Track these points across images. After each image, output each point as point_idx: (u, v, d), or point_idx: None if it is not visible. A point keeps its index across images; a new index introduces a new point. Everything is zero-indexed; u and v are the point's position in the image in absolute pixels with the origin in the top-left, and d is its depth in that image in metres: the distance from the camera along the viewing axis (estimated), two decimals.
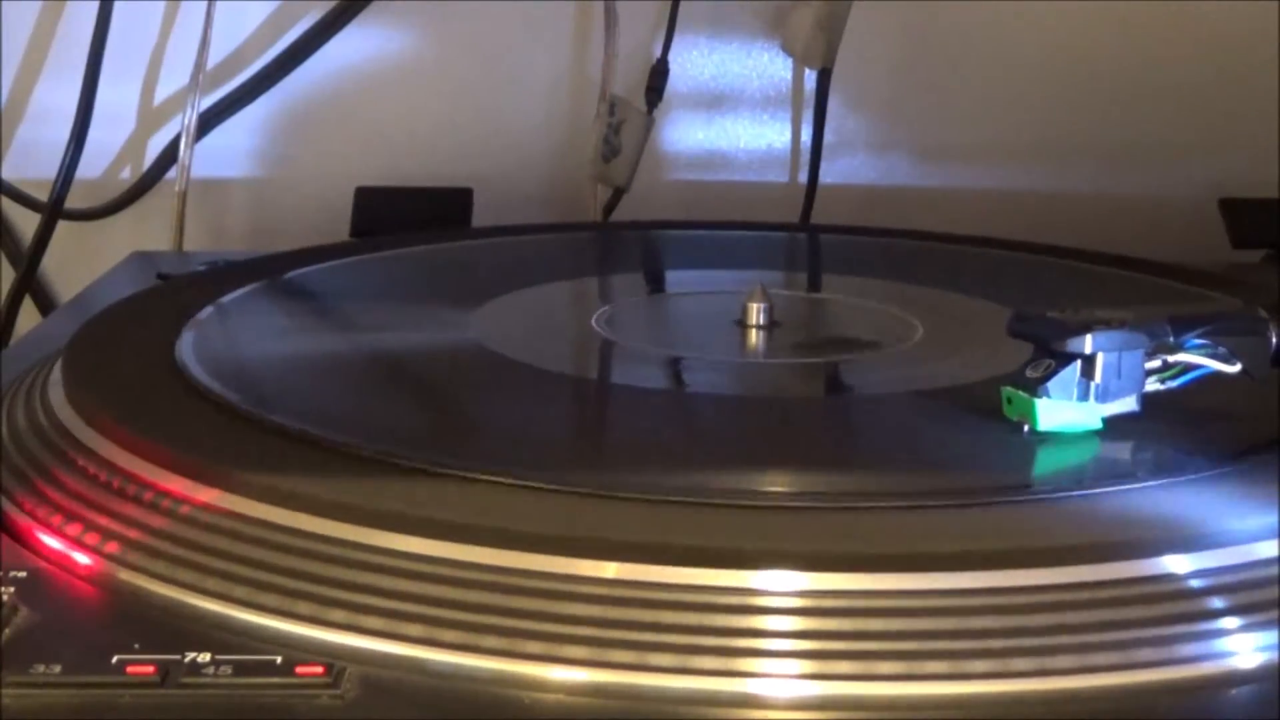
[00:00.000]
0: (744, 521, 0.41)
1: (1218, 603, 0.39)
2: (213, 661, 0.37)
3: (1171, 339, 0.48)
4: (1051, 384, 0.47)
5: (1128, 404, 0.48)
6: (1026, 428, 0.48)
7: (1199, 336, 0.49)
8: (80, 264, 0.90)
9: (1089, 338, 0.47)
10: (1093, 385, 0.47)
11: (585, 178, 0.95)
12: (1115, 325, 0.48)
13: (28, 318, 0.91)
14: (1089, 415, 0.48)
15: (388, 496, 0.42)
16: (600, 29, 0.94)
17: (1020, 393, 0.48)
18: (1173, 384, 0.49)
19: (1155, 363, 0.49)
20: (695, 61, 0.96)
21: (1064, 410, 0.48)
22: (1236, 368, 0.49)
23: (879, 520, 0.42)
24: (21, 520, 0.45)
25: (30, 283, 0.91)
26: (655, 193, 0.96)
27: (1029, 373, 0.48)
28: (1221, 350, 0.49)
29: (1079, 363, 0.47)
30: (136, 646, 0.38)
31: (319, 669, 0.37)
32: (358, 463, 0.44)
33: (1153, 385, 0.49)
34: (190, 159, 0.91)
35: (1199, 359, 0.49)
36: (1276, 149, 0.92)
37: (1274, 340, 0.50)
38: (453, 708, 0.36)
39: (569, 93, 0.96)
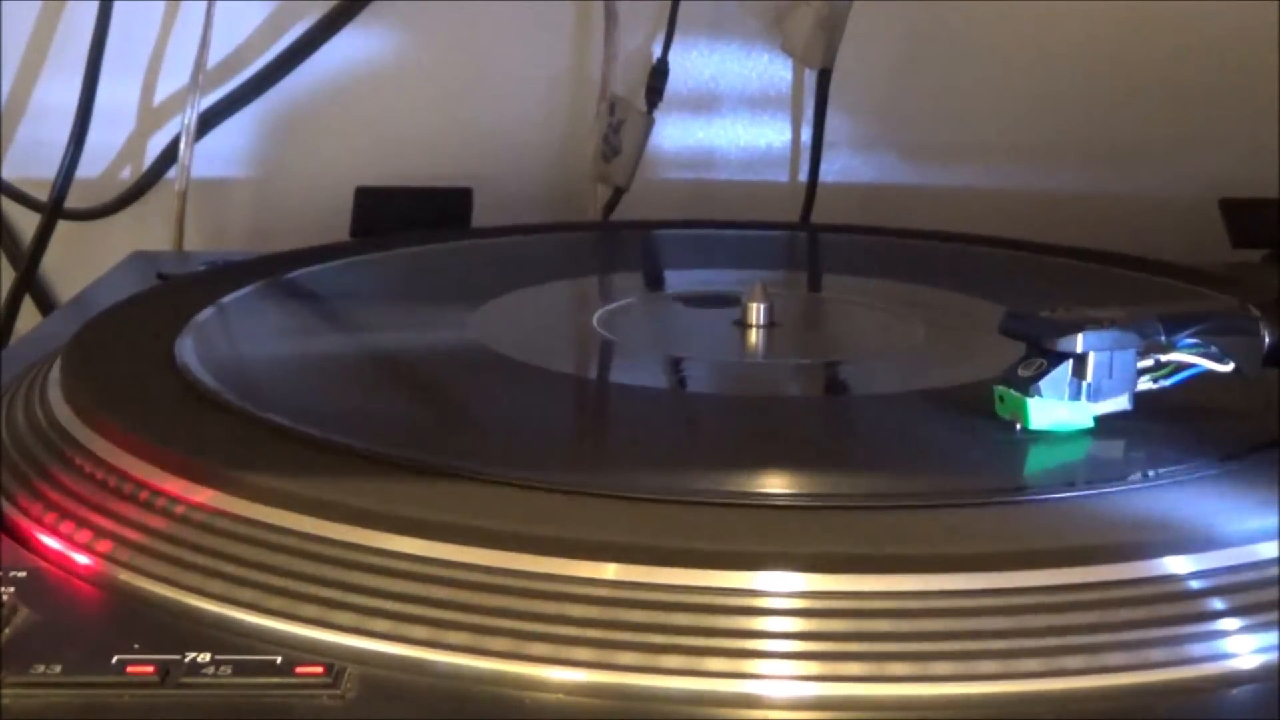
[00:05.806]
0: (745, 522, 0.41)
1: (1218, 603, 0.39)
2: (213, 661, 0.37)
3: (1163, 338, 0.48)
4: (1043, 383, 0.48)
5: (1119, 403, 0.48)
6: (1019, 426, 0.48)
7: (1191, 335, 0.49)
8: (80, 264, 0.89)
9: (1080, 337, 0.47)
10: (1084, 384, 0.48)
11: (585, 178, 0.95)
12: (1107, 324, 0.48)
13: (28, 318, 0.91)
14: (1081, 414, 0.48)
15: (388, 497, 0.42)
16: (600, 29, 0.94)
17: (1012, 391, 0.48)
18: (1165, 383, 0.49)
19: (1147, 362, 0.49)
20: (695, 61, 0.96)
21: (1056, 409, 0.48)
22: (1229, 367, 0.49)
23: (879, 521, 0.42)
24: (21, 520, 0.45)
25: (30, 283, 0.91)
26: (655, 192, 0.96)
27: (1021, 371, 0.48)
28: (1213, 349, 0.49)
29: (1070, 362, 0.48)
30: (136, 646, 0.38)
31: (319, 669, 0.37)
32: (358, 463, 0.45)
33: (1145, 384, 0.49)
34: (190, 159, 0.91)
35: (1191, 358, 0.49)
36: (1277, 149, 0.92)
37: (1266, 339, 0.50)
38: (453, 708, 0.36)
39: (569, 93, 0.96)
